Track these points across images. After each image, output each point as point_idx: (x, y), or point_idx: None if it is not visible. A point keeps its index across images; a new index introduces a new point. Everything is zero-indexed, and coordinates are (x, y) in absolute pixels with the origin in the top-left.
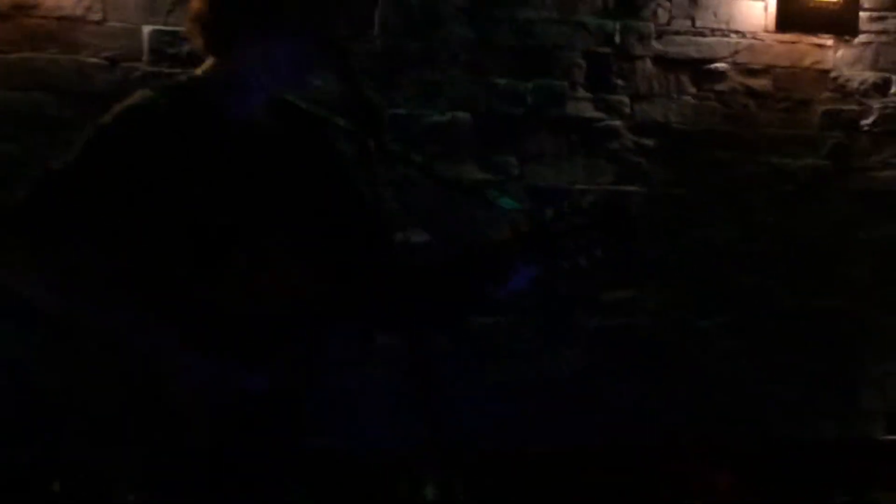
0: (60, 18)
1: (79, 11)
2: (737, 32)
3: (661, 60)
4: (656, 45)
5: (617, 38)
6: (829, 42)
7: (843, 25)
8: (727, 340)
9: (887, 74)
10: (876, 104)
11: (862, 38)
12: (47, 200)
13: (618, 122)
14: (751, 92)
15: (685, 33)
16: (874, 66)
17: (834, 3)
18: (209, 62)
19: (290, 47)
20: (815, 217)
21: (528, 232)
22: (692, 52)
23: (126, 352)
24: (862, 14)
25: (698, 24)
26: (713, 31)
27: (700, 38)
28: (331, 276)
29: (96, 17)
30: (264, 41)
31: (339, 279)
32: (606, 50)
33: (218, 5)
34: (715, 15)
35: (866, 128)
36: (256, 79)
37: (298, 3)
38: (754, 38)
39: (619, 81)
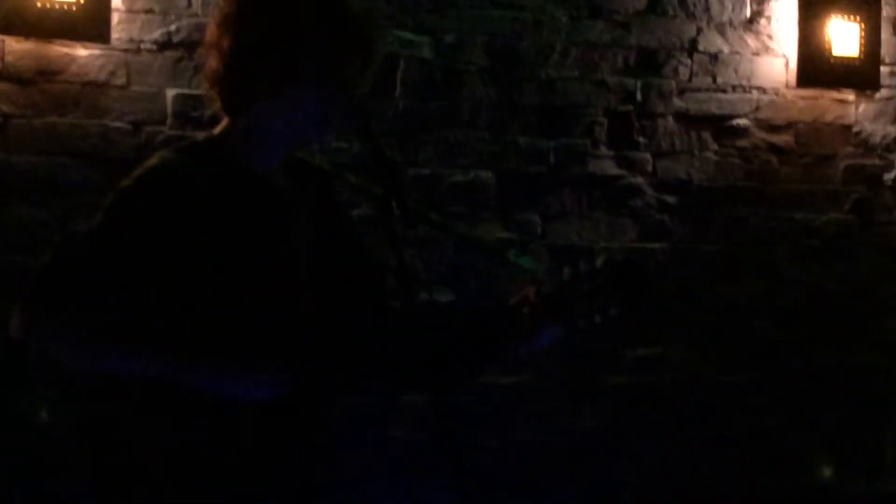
0: (84, 84)
1: (103, 76)
2: (758, 89)
3: (683, 117)
4: (678, 102)
5: (638, 96)
6: (851, 97)
7: (864, 80)
8: (753, 397)
9: None
10: None
11: (883, 92)
12: (73, 264)
13: (640, 180)
14: (773, 148)
15: (706, 90)
16: None
17: (855, 58)
18: (227, 121)
19: (308, 107)
20: (841, 272)
21: (547, 293)
22: (714, 109)
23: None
24: (883, 69)
25: (719, 80)
26: (734, 88)
27: (721, 95)
28: (348, 333)
29: (120, 81)
30: (281, 101)
31: (357, 336)
32: (628, 107)
33: (235, 66)
34: (736, 72)
35: (889, 182)
36: (274, 137)
37: (316, 64)
38: (776, 94)
39: (641, 139)
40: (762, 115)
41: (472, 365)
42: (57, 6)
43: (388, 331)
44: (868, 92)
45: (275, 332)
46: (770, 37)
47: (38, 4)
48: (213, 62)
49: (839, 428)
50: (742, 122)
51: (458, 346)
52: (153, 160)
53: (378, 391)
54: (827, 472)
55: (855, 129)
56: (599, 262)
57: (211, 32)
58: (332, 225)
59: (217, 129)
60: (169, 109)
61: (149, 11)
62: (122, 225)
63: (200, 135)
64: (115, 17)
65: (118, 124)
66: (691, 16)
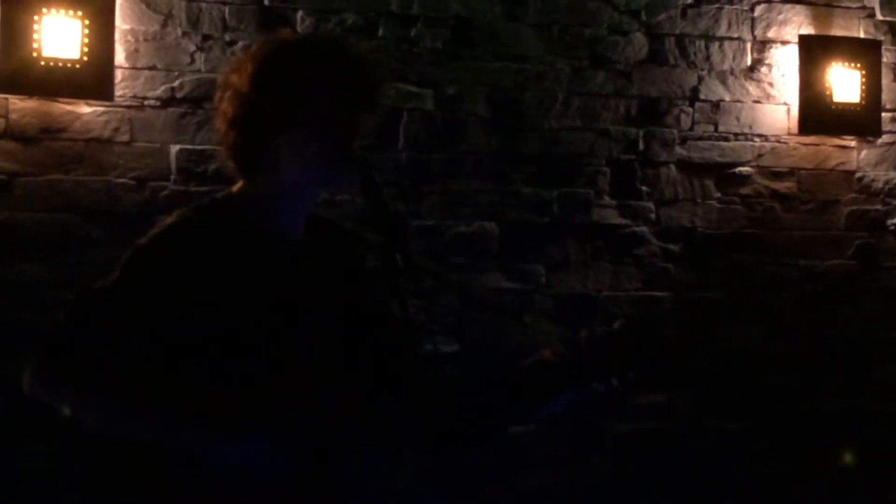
0: (88, 140)
1: (107, 133)
2: (760, 136)
3: (686, 165)
4: (680, 151)
5: (641, 145)
6: (853, 143)
7: (865, 126)
8: (758, 443)
9: None
10: None
11: (885, 138)
12: (88, 320)
13: (643, 228)
14: (775, 195)
15: (708, 138)
16: None
17: (856, 104)
18: (243, 181)
19: (313, 157)
20: (844, 317)
21: (564, 358)
22: (716, 157)
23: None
24: (884, 115)
25: (721, 128)
26: (736, 136)
27: (723, 143)
28: (363, 391)
29: (124, 138)
30: (288, 155)
31: (371, 394)
32: (630, 157)
33: (247, 133)
34: (738, 119)
35: (892, 227)
36: (287, 193)
37: (318, 114)
38: (778, 141)
39: (644, 187)
40: (764, 162)
41: (483, 427)
42: (60, 64)
43: (407, 393)
44: (870, 138)
45: (284, 399)
46: (771, 84)
47: (42, 63)
48: (228, 134)
49: (843, 473)
50: (744, 169)
51: (470, 409)
52: (171, 218)
53: (384, 448)
54: None
55: (857, 174)
56: (617, 325)
57: (217, 97)
58: (354, 286)
59: (235, 188)
60: (173, 165)
61: (152, 68)
62: (136, 283)
63: (218, 193)
64: (118, 75)
65: (122, 180)
66: (692, 65)
